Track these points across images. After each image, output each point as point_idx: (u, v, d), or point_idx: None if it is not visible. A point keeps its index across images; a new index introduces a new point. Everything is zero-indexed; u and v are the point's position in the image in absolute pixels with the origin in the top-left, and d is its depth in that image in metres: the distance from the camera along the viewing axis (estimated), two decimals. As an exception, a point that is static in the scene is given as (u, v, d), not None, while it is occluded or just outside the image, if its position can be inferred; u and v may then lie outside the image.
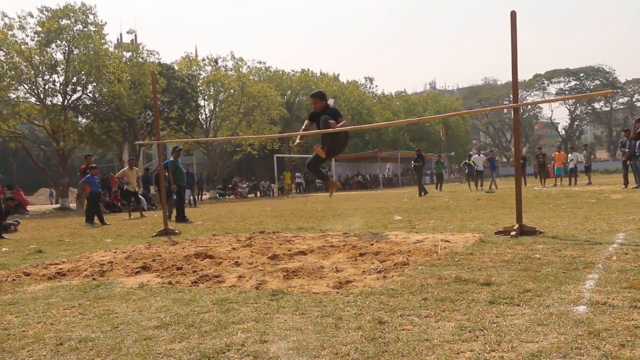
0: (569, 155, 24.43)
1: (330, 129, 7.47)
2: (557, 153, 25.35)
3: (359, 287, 3.92)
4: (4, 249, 8.23)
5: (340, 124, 7.65)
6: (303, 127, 8.36)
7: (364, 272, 4.51)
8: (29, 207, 26.00)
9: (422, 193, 20.61)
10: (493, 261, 4.68)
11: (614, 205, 10.27)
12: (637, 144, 15.79)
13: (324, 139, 7.97)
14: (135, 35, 43.76)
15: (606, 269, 4.06)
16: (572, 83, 75.17)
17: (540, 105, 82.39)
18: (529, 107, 78.77)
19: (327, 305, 3.43)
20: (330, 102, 7.98)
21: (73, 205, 27.71)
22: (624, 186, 16.41)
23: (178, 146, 14.60)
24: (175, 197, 13.39)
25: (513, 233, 6.32)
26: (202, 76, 37.03)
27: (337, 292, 3.81)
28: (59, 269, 5.53)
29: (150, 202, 21.75)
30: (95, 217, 13.78)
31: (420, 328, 2.84)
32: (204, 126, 37.69)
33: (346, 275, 4.36)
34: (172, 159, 13.56)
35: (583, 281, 3.72)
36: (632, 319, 2.78)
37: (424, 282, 3.96)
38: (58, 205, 27.74)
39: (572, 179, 24.21)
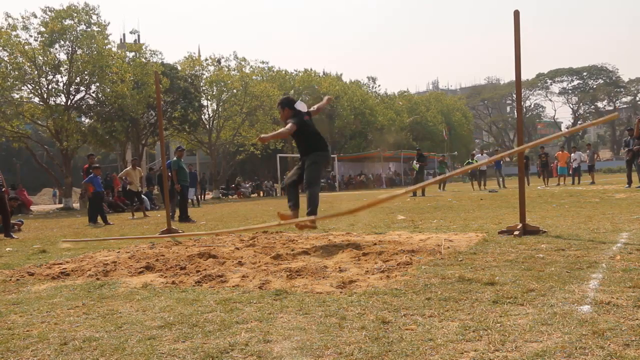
0: (572, 154, 24.42)
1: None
2: (560, 152, 25.36)
3: (362, 287, 3.92)
4: (7, 249, 8.25)
5: (274, 132, 6.77)
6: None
7: (368, 271, 4.50)
8: (32, 207, 26.06)
9: (416, 193, 19.40)
10: (496, 261, 4.68)
11: (617, 204, 10.25)
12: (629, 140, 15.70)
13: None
14: (138, 36, 43.63)
15: (610, 269, 4.06)
16: (575, 82, 75.16)
17: (543, 104, 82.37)
18: (532, 106, 78.81)
19: (330, 305, 3.43)
20: (300, 106, 7.01)
21: (76, 205, 27.76)
22: (627, 185, 16.39)
23: (181, 146, 14.69)
24: (178, 197, 13.41)
25: (516, 232, 6.31)
26: (205, 76, 37.03)
27: (341, 292, 3.81)
28: (63, 268, 5.54)
29: (152, 202, 21.77)
30: (99, 217, 13.80)
31: (424, 328, 2.84)
32: (207, 126, 37.72)
33: (349, 275, 4.36)
34: (175, 158, 13.59)
35: (587, 281, 3.72)
36: (637, 319, 2.78)
37: (428, 281, 3.96)
38: (61, 205, 27.80)
39: (575, 178, 24.20)
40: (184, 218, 12.84)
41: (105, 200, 17.35)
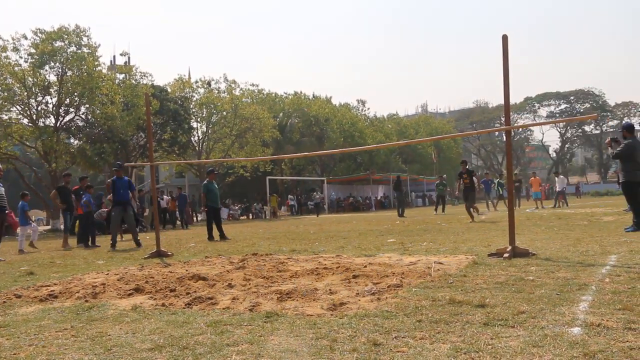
0: (556, 178, 25.01)
1: None
2: (533, 178, 25.85)
3: (353, 309, 3.91)
4: (-6, 271, 8.15)
5: None
6: None
7: (358, 294, 4.50)
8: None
9: (404, 214, 22.18)
10: (487, 283, 4.68)
11: (605, 227, 10.33)
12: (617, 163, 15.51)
13: None
14: (129, 57, 43.67)
15: (599, 291, 4.08)
16: (563, 106, 75.96)
17: (531, 128, 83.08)
18: (520, 130, 79.34)
19: (321, 327, 3.42)
20: None
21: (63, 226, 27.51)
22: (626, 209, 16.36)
23: (213, 168, 14.99)
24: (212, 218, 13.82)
25: (506, 255, 6.33)
26: (195, 98, 37.18)
27: (332, 314, 3.80)
28: (51, 291, 5.49)
29: (141, 224, 21.61)
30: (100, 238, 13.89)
31: (416, 350, 2.84)
32: (197, 148, 37.73)
33: (340, 297, 4.35)
34: (206, 181, 13.89)
35: (577, 303, 3.73)
36: (627, 341, 2.79)
37: (418, 303, 3.96)
38: (49, 227, 27.57)
39: (560, 202, 24.65)
40: (221, 236, 13.22)
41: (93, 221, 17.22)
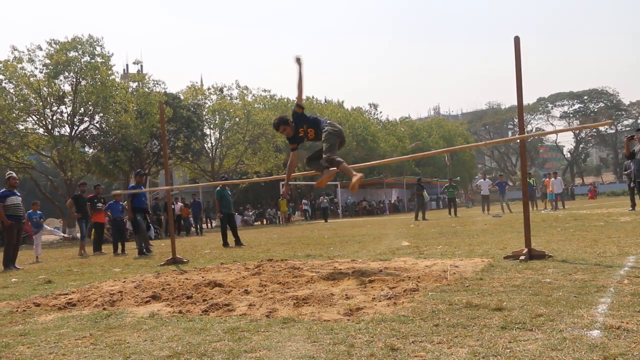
0: (552, 179, 24.84)
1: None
2: (548, 179, 25.69)
3: (369, 314, 3.91)
4: (13, 280, 8.24)
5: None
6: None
7: (374, 298, 4.49)
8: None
9: (418, 218, 22.55)
10: (503, 286, 4.66)
11: (622, 228, 10.22)
12: (630, 163, 15.25)
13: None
14: (141, 66, 43.92)
15: (618, 293, 4.04)
16: (576, 106, 75.45)
17: (544, 128, 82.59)
18: (533, 130, 78.95)
19: (338, 333, 3.42)
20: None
21: (79, 235, 27.72)
22: (631, 209, 16.31)
23: (225, 175, 15.10)
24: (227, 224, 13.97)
25: (522, 257, 6.30)
26: (207, 105, 37.34)
27: (348, 319, 3.80)
28: (69, 299, 5.54)
29: (156, 231, 21.75)
30: (119, 246, 14.00)
31: (433, 354, 2.83)
32: (210, 155, 37.88)
33: (356, 302, 4.35)
34: (219, 188, 14.17)
35: (595, 305, 3.70)
36: (647, 343, 2.76)
37: (435, 308, 3.94)
38: (65, 235, 27.80)
39: (558, 202, 24.63)
40: (237, 242, 13.37)
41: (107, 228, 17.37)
